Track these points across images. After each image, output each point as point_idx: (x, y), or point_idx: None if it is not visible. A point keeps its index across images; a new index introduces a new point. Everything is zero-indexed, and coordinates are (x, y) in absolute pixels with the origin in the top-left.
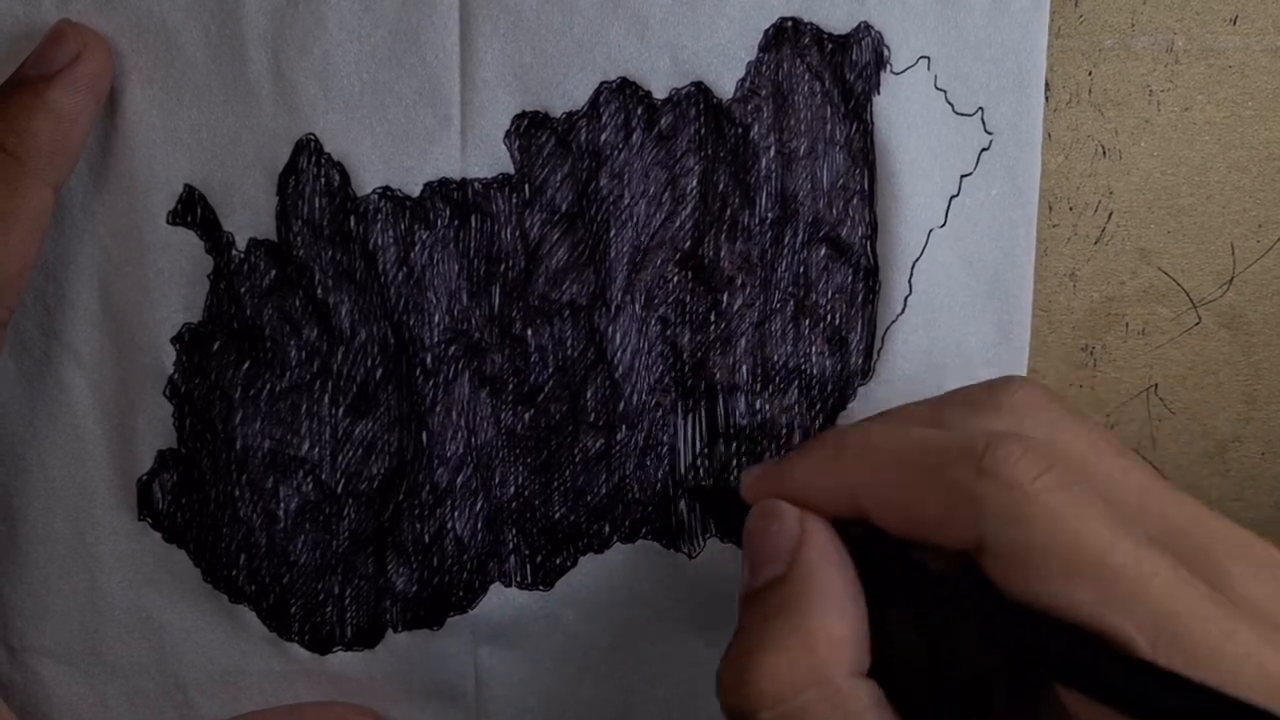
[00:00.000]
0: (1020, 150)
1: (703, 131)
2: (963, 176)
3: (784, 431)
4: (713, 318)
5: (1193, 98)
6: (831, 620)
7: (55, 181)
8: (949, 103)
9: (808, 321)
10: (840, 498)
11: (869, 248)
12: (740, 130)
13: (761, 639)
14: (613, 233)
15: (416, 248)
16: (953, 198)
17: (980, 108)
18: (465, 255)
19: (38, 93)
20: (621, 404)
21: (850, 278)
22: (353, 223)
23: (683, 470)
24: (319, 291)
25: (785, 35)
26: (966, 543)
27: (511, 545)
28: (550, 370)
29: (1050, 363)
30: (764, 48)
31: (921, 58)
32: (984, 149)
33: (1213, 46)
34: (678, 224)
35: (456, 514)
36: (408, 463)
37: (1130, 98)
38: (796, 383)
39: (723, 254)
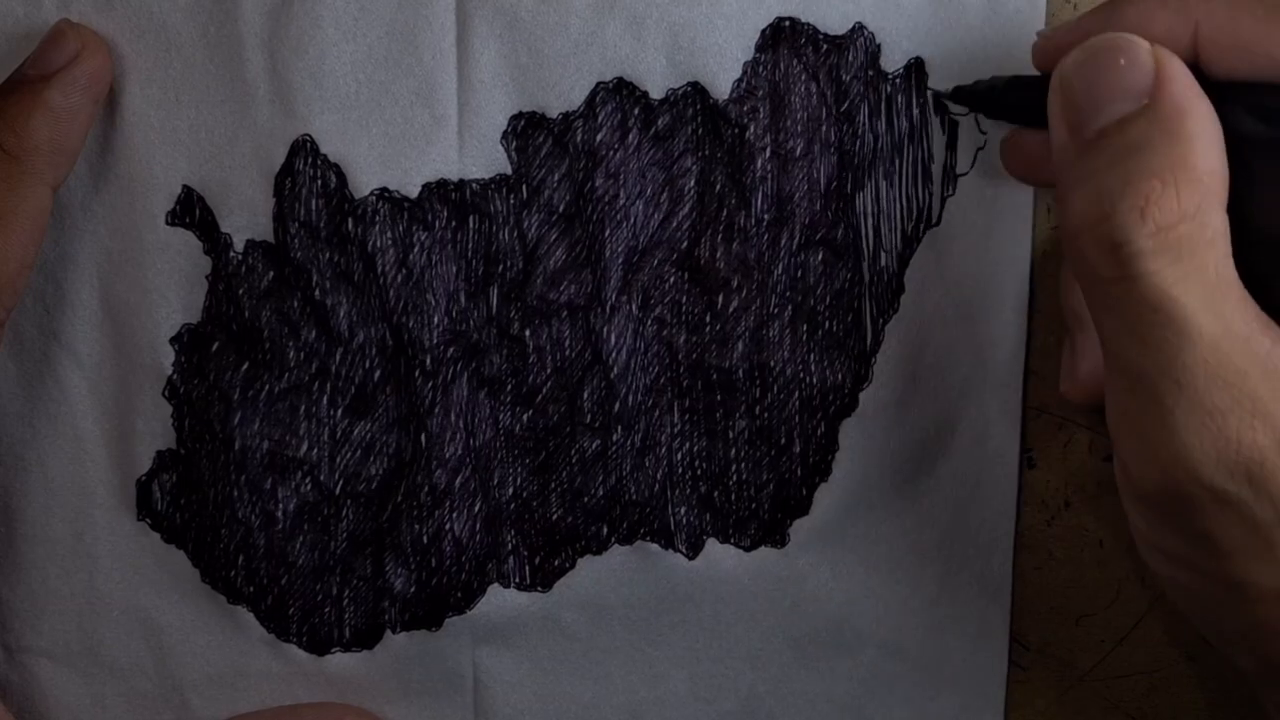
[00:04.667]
0: None
1: (699, 132)
2: (959, 176)
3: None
4: (708, 319)
5: None
6: (1212, 152)
7: (54, 181)
8: (944, 103)
9: (806, 326)
10: (1178, 37)
11: (865, 249)
12: (737, 131)
13: (1139, 168)
14: (609, 233)
15: (415, 249)
16: (948, 198)
17: None
18: (463, 256)
19: (36, 92)
20: (617, 404)
21: (847, 281)
22: (351, 224)
23: (681, 472)
24: (317, 293)
25: (782, 36)
26: None
27: (510, 546)
28: (548, 371)
29: (1047, 362)
30: (760, 48)
31: (916, 58)
32: (980, 148)
33: None
34: (674, 224)
35: (455, 515)
36: (406, 464)
37: None
38: (796, 390)
39: (719, 255)
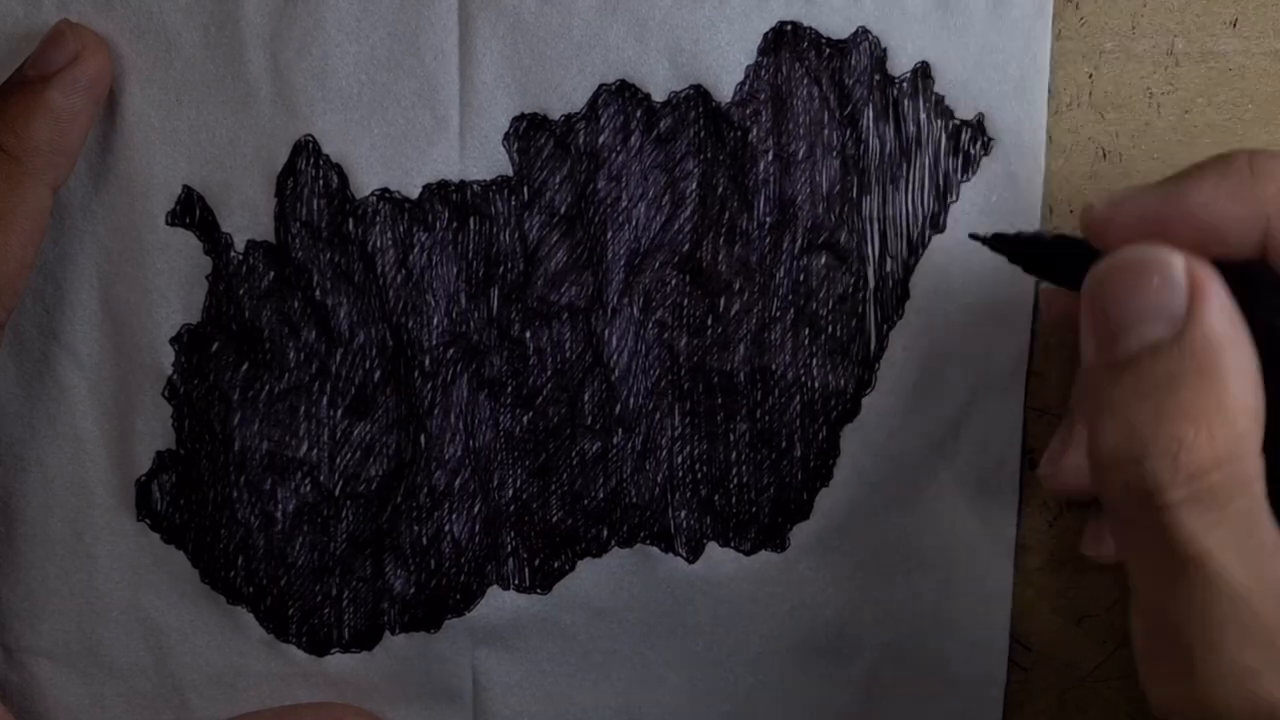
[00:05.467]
0: (1022, 156)
1: (702, 135)
2: (962, 182)
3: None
4: (710, 321)
5: (1193, 101)
6: (1247, 392)
7: (54, 182)
8: (949, 107)
9: (808, 330)
10: (1247, 230)
11: (869, 254)
12: (739, 134)
13: (1171, 410)
14: (610, 235)
15: (415, 250)
16: (952, 203)
17: (980, 113)
18: (464, 257)
19: (37, 93)
20: (618, 407)
21: (850, 285)
22: (351, 224)
23: (681, 475)
24: (318, 293)
25: (784, 39)
26: None
27: (509, 548)
28: (549, 373)
29: (1050, 362)
30: (763, 51)
31: (921, 62)
32: (984, 154)
33: (1213, 49)
34: (676, 227)
35: (454, 516)
36: (406, 465)
37: (1131, 100)
38: (798, 394)
39: (721, 258)
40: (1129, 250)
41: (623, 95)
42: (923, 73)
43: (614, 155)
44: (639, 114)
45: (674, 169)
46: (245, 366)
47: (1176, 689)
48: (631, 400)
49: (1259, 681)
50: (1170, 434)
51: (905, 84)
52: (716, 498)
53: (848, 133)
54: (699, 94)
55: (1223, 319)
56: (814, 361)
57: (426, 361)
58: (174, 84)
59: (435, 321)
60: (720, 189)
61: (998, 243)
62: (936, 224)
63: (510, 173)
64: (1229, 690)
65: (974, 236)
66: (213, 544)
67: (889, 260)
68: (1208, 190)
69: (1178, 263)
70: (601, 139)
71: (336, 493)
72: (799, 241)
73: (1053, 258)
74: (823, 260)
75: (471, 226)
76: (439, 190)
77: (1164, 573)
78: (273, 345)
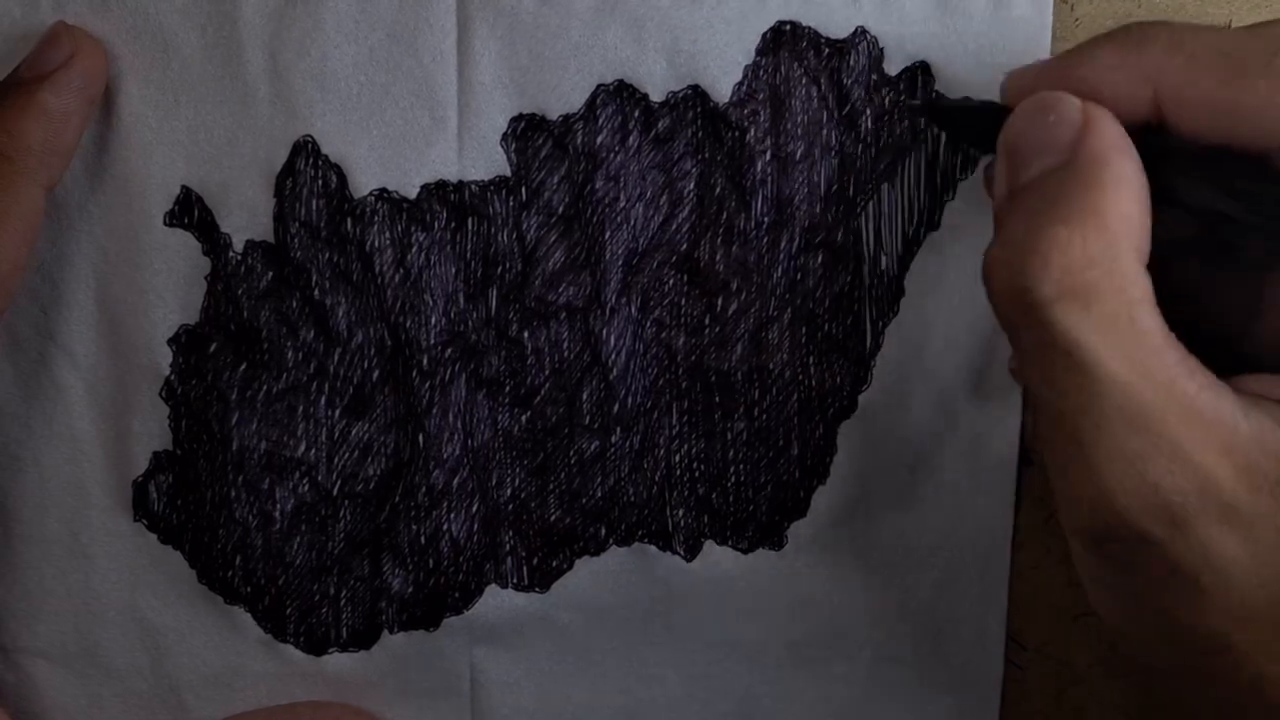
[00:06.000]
0: None
1: (699, 135)
2: (960, 180)
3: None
4: (707, 321)
5: None
6: (1126, 201)
7: (48, 182)
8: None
9: (805, 329)
10: (1136, 95)
11: (865, 253)
12: (737, 134)
13: (1048, 216)
14: (608, 235)
15: (413, 250)
16: (948, 202)
17: None
18: (462, 257)
19: (31, 93)
20: (616, 406)
21: (846, 284)
22: (350, 225)
23: (679, 473)
24: (316, 293)
25: (783, 39)
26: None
27: (508, 547)
28: (547, 372)
29: None
30: (761, 51)
31: (921, 63)
32: (983, 153)
33: None
34: (674, 227)
35: (453, 515)
36: (404, 464)
37: None
38: (795, 392)
39: (718, 257)
40: (1033, 96)
41: (621, 95)
42: (923, 72)
43: (612, 155)
44: (637, 114)
45: (672, 169)
46: (243, 366)
47: (1075, 486)
48: (629, 399)
49: (1146, 465)
50: (1045, 236)
51: (903, 84)
52: (714, 496)
53: (845, 133)
54: (697, 94)
55: (1106, 141)
56: (811, 360)
57: (424, 361)
58: (171, 84)
59: (433, 321)
60: (718, 189)
61: (929, 108)
62: (933, 222)
63: (508, 173)
64: (1120, 476)
65: (905, 103)
66: (210, 544)
67: (885, 258)
68: (1102, 58)
69: (1072, 100)
70: (599, 139)
71: (334, 492)
72: (796, 241)
73: (979, 124)
74: (819, 259)
75: (469, 226)
76: (437, 190)
77: (1049, 372)
78: (271, 345)
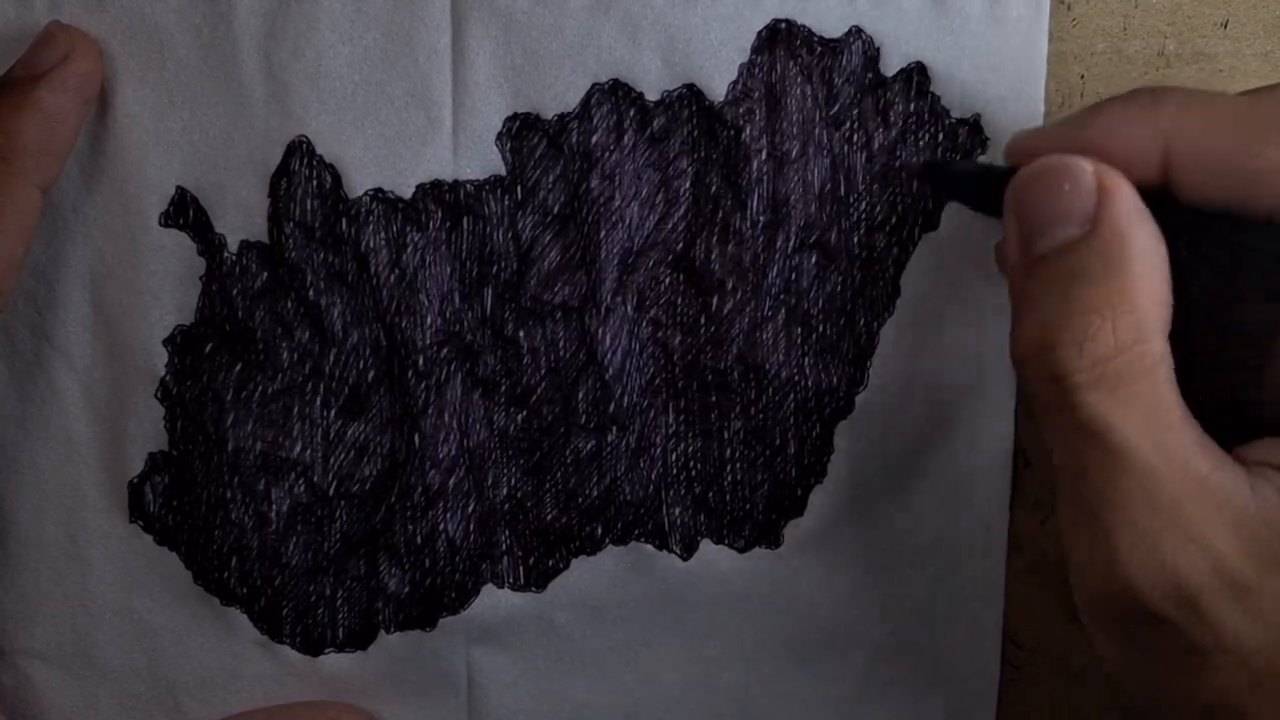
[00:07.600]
0: None
1: (695, 134)
2: None
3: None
4: (703, 320)
5: None
6: (1153, 281)
7: (43, 182)
8: (944, 107)
9: (801, 329)
10: (1147, 157)
11: (860, 253)
12: (732, 133)
13: (1079, 302)
14: (604, 234)
15: (408, 250)
16: (946, 201)
17: (977, 113)
18: (457, 257)
19: (25, 93)
20: (612, 405)
21: (842, 284)
22: (345, 225)
23: (675, 472)
24: (311, 294)
25: (778, 38)
26: None
27: (504, 547)
28: (542, 372)
29: None
30: (756, 50)
31: (915, 62)
32: (981, 154)
33: (1204, 50)
34: (670, 226)
35: (449, 515)
36: (400, 464)
37: None
38: (791, 392)
39: (714, 257)
40: (1043, 160)
41: (616, 94)
42: (917, 72)
43: (607, 154)
44: (632, 113)
45: (667, 168)
46: (239, 367)
47: (1093, 561)
48: (625, 399)
49: (1160, 546)
50: (1078, 324)
51: (898, 84)
52: (711, 495)
53: (841, 132)
54: (692, 93)
55: (1127, 215)
56: (807, 359)
57: (420, 361)
58: (166, 85)
59: (429, 321)
60: (713, 188)
61: (930, 172)
62: (930, 222)
63: (503, 172)
64: (1136, 556)
65: (904, 167)
66: (206, 545)
67: (879, 257)
68: (1113, 118)
69: (1086, 168)
70: (594, 138)
71: (330, 493)
72: (792, 240)
73: (982, 187)
74: (815, 258)
75: (465, 226)
76: (432, 190)
77: (1076, 451)
78: (266, 346)
